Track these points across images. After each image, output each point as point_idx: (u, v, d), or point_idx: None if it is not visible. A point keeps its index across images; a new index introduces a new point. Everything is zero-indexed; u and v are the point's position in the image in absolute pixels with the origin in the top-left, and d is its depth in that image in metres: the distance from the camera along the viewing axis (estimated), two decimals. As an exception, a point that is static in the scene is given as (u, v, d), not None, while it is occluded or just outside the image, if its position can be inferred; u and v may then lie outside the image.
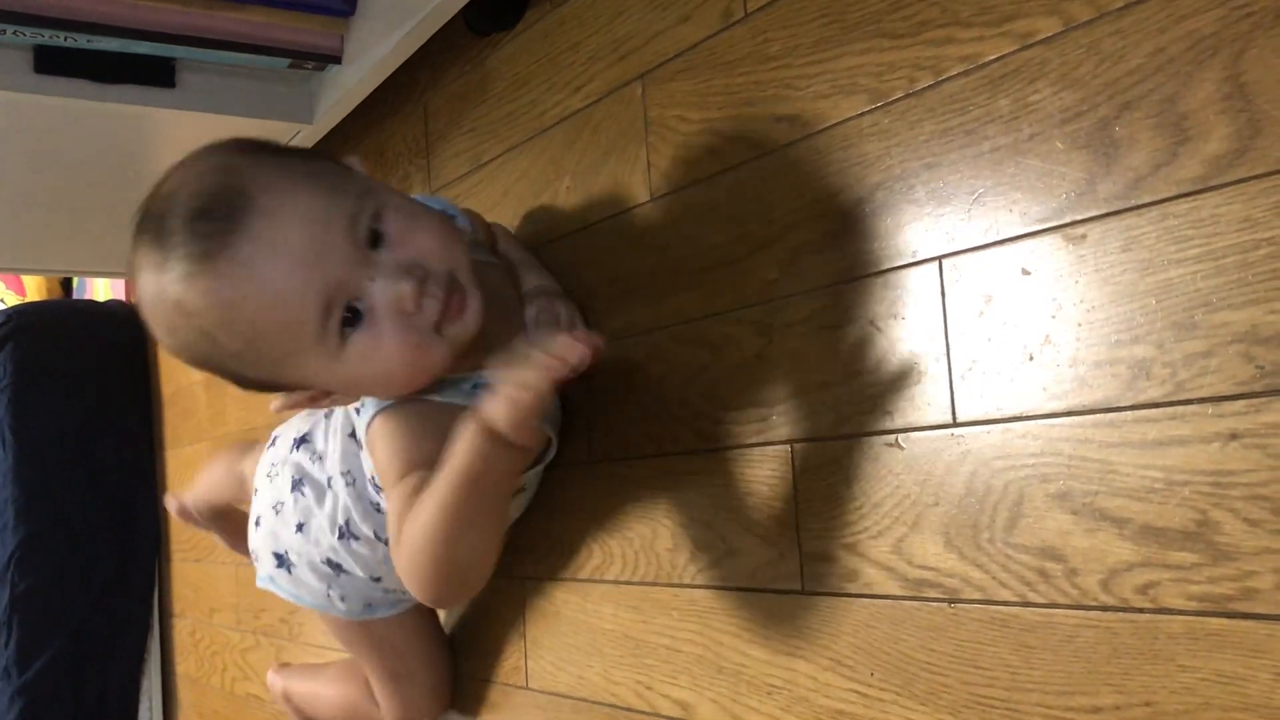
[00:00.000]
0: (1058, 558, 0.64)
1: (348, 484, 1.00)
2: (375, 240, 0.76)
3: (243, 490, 1.33)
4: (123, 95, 1.15)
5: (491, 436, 0.73)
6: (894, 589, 0.73)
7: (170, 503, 1.45)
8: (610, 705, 0.98)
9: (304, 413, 1.11)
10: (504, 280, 0.99)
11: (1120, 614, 0.61)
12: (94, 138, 1.27)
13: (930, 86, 0.72)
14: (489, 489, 0.76)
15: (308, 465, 1.06)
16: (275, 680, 1.40)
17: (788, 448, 0.81)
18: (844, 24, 0.77)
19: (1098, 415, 0.62)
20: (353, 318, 0.76)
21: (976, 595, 0.68)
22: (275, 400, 0.83)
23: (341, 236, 0.74)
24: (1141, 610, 0.60)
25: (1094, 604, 0.62)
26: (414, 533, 0.78)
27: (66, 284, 2.62)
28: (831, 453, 0.78)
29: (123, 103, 1.15)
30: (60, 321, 2.26)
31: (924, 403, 0.72)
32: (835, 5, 0.78)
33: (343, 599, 1.09)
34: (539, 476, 1.01)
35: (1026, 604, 0.66)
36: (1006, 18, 0.67)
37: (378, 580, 1.06)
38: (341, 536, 1.02)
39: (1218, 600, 0.57)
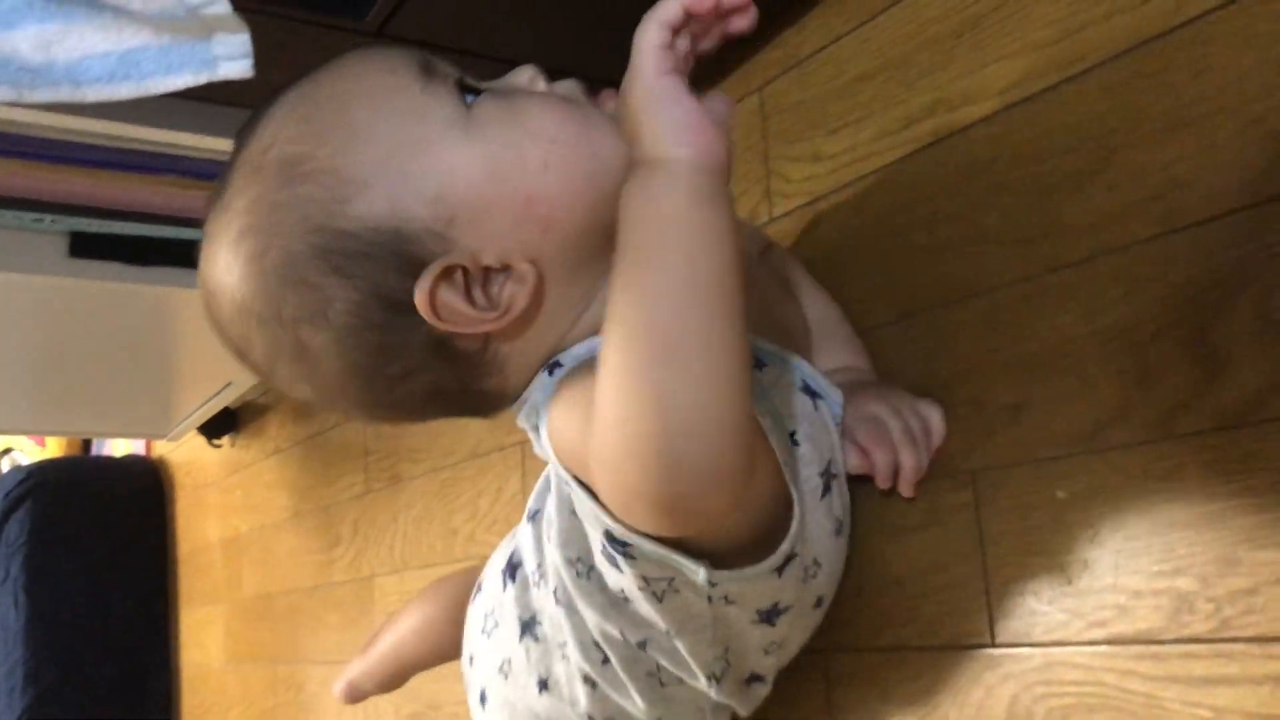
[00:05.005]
0: (1106, 794, 0.62)
1: (579, 574, 0.66)
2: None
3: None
4: (153, 276, 1.16)
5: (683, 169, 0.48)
6: (934, 814, 0.71)
7: (340, 691, 1.02)
8: None
9: (508, 539, 0.83)
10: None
11: None
12: (122, 312, 1.29)
13: (962, 299, 0.72)
14: (705, 263, 0.46)
15: (534, 596, 0.73)
16: None
17: (822, 657, 0.79)
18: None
19: (1140, 646, 0.61)
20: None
21: (1021, 827, 0.66)
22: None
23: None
24: None
25: (1146, 846, 0.60)
26: (604, 394, 0.46)
27: (86, 439, 2.63)
28: (868, 665, 0.76)
29: (153, 284, 1.16)
30: (77, 478, 2.27)
31: (961, 620, 0.70)
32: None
33: None
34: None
35: (1075, 841, 0.63)
36: (1032, 239, 0.68)
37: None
38: (601, 658, 0.69)
39: None
